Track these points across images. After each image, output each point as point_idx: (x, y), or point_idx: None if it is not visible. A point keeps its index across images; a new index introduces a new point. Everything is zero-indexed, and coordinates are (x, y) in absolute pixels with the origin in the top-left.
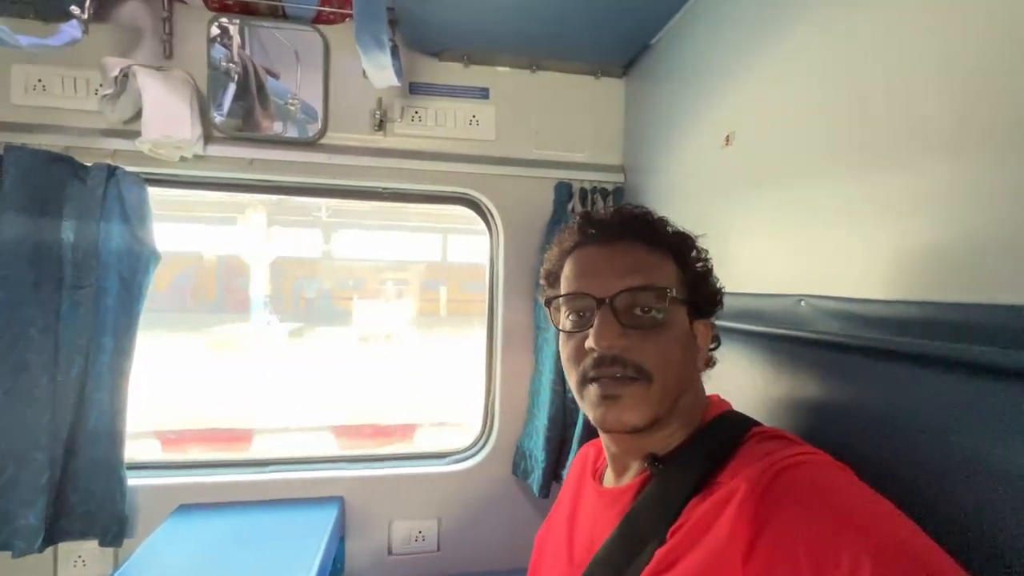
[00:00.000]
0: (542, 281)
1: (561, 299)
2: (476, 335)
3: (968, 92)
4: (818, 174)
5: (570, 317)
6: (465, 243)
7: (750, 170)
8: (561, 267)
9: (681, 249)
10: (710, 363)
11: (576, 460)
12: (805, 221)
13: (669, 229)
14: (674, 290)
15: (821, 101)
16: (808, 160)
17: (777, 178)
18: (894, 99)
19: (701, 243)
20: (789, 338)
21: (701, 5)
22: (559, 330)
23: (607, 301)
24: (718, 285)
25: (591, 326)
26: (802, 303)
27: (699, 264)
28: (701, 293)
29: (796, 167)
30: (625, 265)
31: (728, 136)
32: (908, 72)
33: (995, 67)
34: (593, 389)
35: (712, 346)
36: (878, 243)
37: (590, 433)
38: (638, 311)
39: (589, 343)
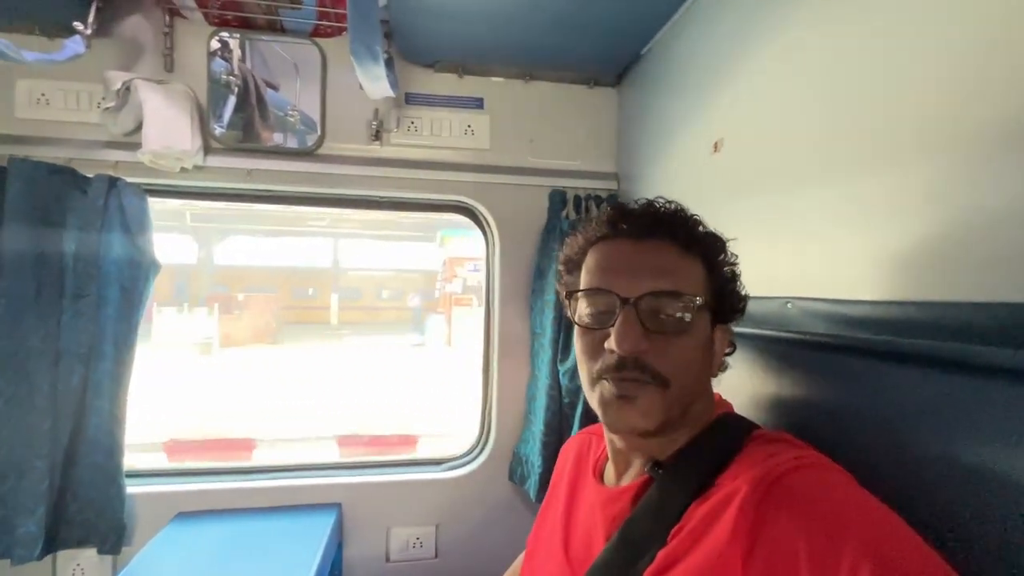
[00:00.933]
0: (560, 267)
1: (582, 293)
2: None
3: (948, 97)
4: (804, 179)
5: (589, 312)
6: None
7: (738, 175)
8: (583, 256)
9: (711, 252)
10: (723, 368)
11: (569, 448)
12: (791, 225)
13: (701, 229)
14: (701, 298)
15: (807, 107)
16: (794, 165)
17: (764, 183)
18: (877, 104)
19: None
20: (776, 339)
21: (691, 15)
22: (575, 323)
23: (631, 302)
24: (743, 292)
25: (612, 324)
26: (789, 305)
27: (727, 269)
28: (726, 299)
29: (782, 172)
30: (653, 266)
31: (717, 143)
32: (891, 78)
33: (977, 72)
34: (606, 387)
35: (728, 351)
36: (862, 245)
37: None
38: (662, 315)
39: (610, 344)
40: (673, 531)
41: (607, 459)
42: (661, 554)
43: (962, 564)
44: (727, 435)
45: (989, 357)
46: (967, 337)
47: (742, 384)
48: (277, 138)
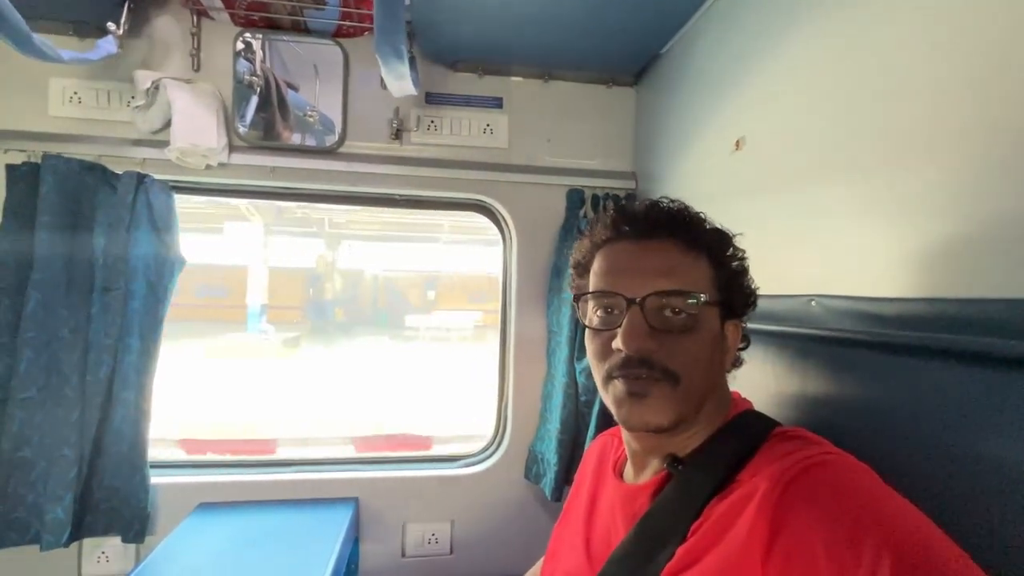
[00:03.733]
0: (571, 270)
1: (590, 296)
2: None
3: (973, 94)
4: (826, 176)
5: (598, 313)
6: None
7: (760, 174)
8: (591, 259)
9: (717, 248)
10: (738, 363)
11: (593, 448)
12: (814, 223)
13: (706, 226)
14: (706, 295)
15: (829, 104)
16: (816, 163)
17: (786, 181)
18: (901, 101)
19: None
20: (801, 336)
21: (710, 15)
22: (586, 326)
23: (637, 301)
24: (753, 286)
25: (619, 325)
26: (813, 303)
27: (735, 263)
28: (734, 293)
29: (804, 170)
30: (658, 265)
31: (738, 141)
32: (915, 75)
33: (995, 73)
34: (619, 385)
35: (741, 346)
36: (887, 242)
37: None
38: (668, 313)
39: (617, 343)
40: (693, 527)
41: (627, 458)
42: (681, 550)
43: (988, 559)
44: (747, 432)
45: (1016, 351)
46: (994, 333)
47: (765, 382)
48: (296, 138)
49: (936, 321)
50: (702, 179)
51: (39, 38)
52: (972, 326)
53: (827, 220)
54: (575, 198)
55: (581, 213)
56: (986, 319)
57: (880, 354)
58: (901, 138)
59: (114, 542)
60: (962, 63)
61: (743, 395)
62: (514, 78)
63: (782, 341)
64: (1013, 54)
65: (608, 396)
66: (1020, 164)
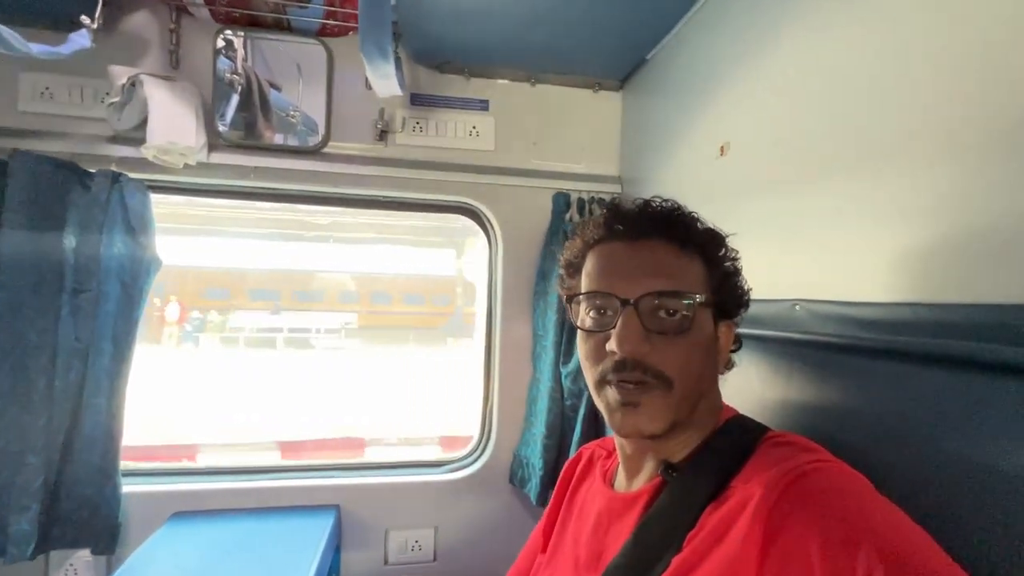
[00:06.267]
0: (561, 271)
1: (583, 296)
2: None
3: (954, 100)
4: (810, 182)
5: (591, 314)
6: None
7: (745, 179)
8: (583, 259)
9: (710, 248)
10: (729, 365)
11: (579, 457)
12: (798, 228)
13: (699, 226)
14: (700, 296)
15: (813, 110)
16: (800, 168)
17: (771, 186)
18: (883, 108)
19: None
20: (785, 341)
21: (696, 20)
22: (578, 327)
23: (632, 303)
24: (746, 286)
25: (613, 326)
26: (797, 307)
27: (727, 263)
28: (728, 294)
29: (789, 176)
30: (652, 266)
31: (723, 146)
32: (897, 82)
33: (983, 74)
34: (611, 393)
35: (734, 347)
36: (869, 247)
37: (588, 440)
38: (663, 314)
39: (611, 346)
40: (688, 536)
41: (617, 466)
42: (676, 560)
43: (976, 566)
44: (739, 437)
45: (1000, 355)
46: (975, 337)
47: (750, 387)
48: (278, 138)
49: (918, 326)
50: (687, 184)
51: (7, 30)
52: (954, 331)
53: (811, 225)
54: (561, 202)
55: (567, 217)
56: (968, 324)
57: (863, 358)
58: (883, 144)
59: (83, 554)
60: (942, 69)
61: (727, 400)
62: (501, 80)
63: (766, 346)
64: (994, 60)
65: (600, 402)
66: (1002, 169)
